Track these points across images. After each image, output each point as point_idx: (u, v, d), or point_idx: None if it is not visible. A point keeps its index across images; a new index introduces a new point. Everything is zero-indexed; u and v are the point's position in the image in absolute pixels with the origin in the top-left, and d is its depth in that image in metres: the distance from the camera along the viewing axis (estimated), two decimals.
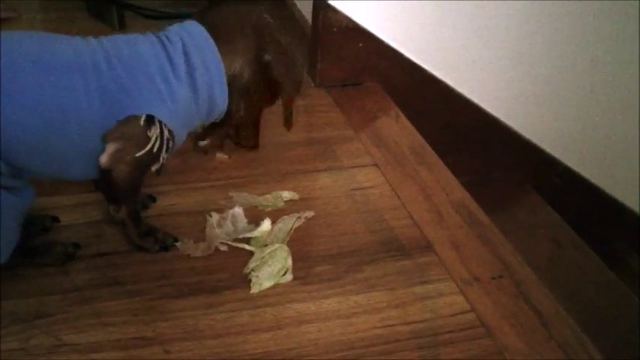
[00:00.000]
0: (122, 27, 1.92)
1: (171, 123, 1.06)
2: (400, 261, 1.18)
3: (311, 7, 1.70)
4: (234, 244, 1.17)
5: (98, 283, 1.09)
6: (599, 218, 1.73)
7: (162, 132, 1.05)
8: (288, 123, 1.28)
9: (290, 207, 1.28)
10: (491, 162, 1.82)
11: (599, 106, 1.67)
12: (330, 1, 1.64)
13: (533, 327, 1.07)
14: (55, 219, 1.19)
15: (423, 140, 1.54)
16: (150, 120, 1.03)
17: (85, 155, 1.04)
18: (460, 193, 1.37)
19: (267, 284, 1.10)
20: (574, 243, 1.68)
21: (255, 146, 1.36)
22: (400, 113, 1.64)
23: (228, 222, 1.21)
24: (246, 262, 1.14)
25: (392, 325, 1.06)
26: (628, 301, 1.54)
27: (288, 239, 1.19)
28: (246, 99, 1.20)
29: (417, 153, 1.49)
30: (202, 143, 1.30)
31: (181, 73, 1.08)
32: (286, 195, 1.30)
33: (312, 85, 1.73)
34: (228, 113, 1.18)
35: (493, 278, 1.16)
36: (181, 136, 1.12)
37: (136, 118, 1.03)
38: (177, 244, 1.17)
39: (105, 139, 1.02)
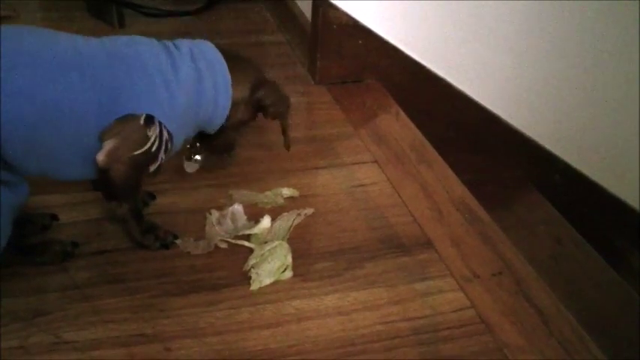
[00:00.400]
0: (122, 26, 1.92)
1: (170, 125, 1.06)
2: (400, 258, 1.18)
3: (311, 4, 1.70)
4: (234, 241, 1.17)
5: (98, 281, 1.09)
6: (600, 216, 1.73)
7: (161, 132, 1.05)
8: (287, 145, 1.29)
9: (290, 204, 1.28)
10: (492, 160, 1.82)
11: (600, 104, 1.67)
12: None
13: (534, 324, 1.07)
14: (55, 217, 1.19)
15: (423, 138, 1.54)
16: (149, 120, 1.03)
17: (82, 153, 1.04)
18: (460, 191, 1.37)
19: (267, 281, 1.10)
20: (575, 241, 1.67)
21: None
22: (400, 111, 1.64)
23: (227, 219, 1.21)
24: (246, 260, 1.14)
25: (392, 322, 1.06)
26: (629, 299, 1.54)
27: (288, 236, 1.19)
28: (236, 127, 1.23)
29: (417, 150, 1.49)
30: (193, 167, 1.31)
31: (185, 78, 1.08)
32: (286, 192, 1.30)
33: (312, 82, 1.73)
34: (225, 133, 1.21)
35: (493, 275, 1.16)
36: (179, 140, 1.12)
37: (136, 117, 1.03)
38: (178, 241, 1.17)
39: (102, 137, 1.02)
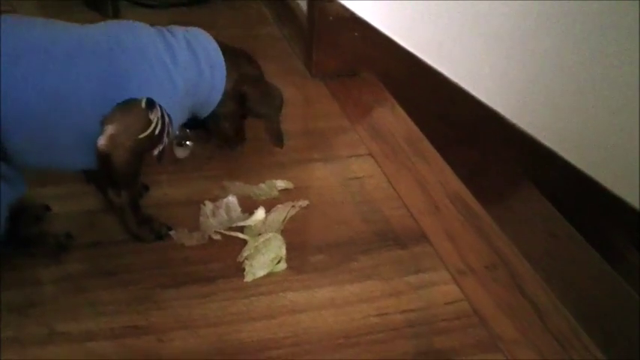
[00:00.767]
0: (116, 16, 1.92)
1: (170, 109, 1.06)
2: (395, 251, 1.18)
3: None
4: (228, 233, 1.17)
5: (92, 273, 1.09)
6: (596, 211, 1.73)
7: (163, 115, 1.05)
8: (278, 143, 1.30)
9: (285, 196, 1.28)
10: (488, 154, 1.81)
11: (597, 99, 1.66)
12: None
13: (528, 318, 1.07)
14: (47, 208, 1.18)
15: (419, 131, 1.54)
16: (151, 103, 1.03)
17: (85, 140, 1.04)
18: (456, 185, 1.37)
19: (261, 273, 1.10)
20: (570, 236, 1.67)
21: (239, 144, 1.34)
22: (396, 104, 1.64)
23: (222, 211, 1.21)
24: (240, 251, 1.13)
25: (386, 314, 1.05)
26: (624, 294, 1.54)
27: (282, 228, 1.19)
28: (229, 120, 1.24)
29: (412, 144, 1.49)
30: (184, 152, 1.32)
31: (182, 62, 1.09)
32: (280, 184, 1.30)
33: (309, 75, 1.72)
34: (216, 122, 1.22)
35: (488, 269, 1.16)
36: (177, 124, 1.12)
37: (137, 101, 1.03)
38: (172, 233, 1.16)
39: (104, 122, 1.02)
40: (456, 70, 1.73)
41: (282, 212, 1.22)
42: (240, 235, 1.17)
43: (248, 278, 1.09)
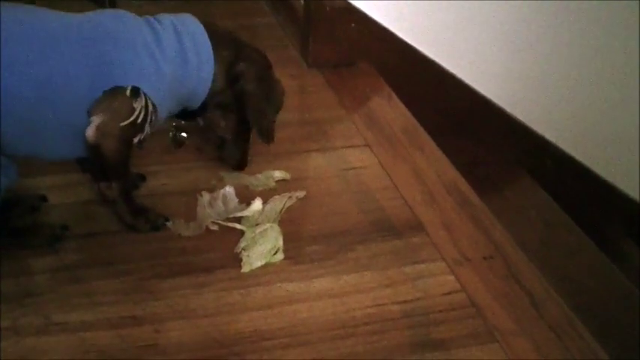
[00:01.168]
0: (113, 7, 1.90)
1: (155, 97, 1.06)
2: (391, 241, 1.18)
3: None
4: (225, 223, 1.17)
5: (88, 263, 1.09)
6: (592, 201, 1.73)
7: (146, 104, 1.05)
8: (265, 139, 1.26)
9: (281, 187, 1.28)
10: (484, 144, 1.81)
11: (594, 89, 1.66)
12: None
13: (524, 307, 1.08)
14: (44, 198, 1.18)
15: (416, 121, 1.54)
16: (136, 92, 1.04)
17: (72, 129, 1.04)
18: (452, 175, 1.37)
19: (258, 264, 1.10)
20: (566, 225, 1.68)
21: (239, 167, 1.31)
22: (393, 94, 1.64)
23: (219, 202, 1.21)
24: (237, 242, 1.14)
25: (383, 305, 1.06)
26: (619, 283, 1.54)
27: (279, 219, 1.19)
28: (222, 112, 1.23)
29: (409, 134, 1.49)
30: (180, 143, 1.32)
31: (169, 51, 1.09)
32: (277, 175, 1.30)
33: (305, 65, 1.72)
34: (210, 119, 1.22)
35: (484, 259, 1.16)
36: (164, 112, 1.12)
37: (122, 89, 1.03)
38: (169, 223, 1.16)
39: (90, 112, 1.03)
40: (452, 60, 1.73)
41: (279, 203, 1.22)
42: (238, 226, 1.17)
43: (245, 269, 1.09)
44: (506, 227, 1.25)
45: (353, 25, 1.68)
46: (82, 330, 0.98)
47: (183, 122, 1.28)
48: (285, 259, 1.12)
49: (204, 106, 1.20)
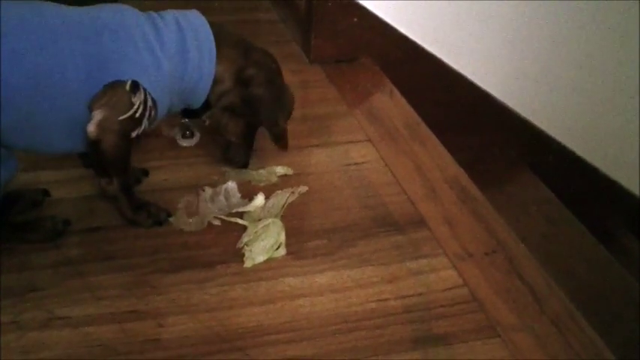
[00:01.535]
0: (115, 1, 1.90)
1: (154, 92, 1.06)
2: (393, 236, 1.18)
3: None
4: (227, 218, 1.17)
5: (91, 258, 1.09)
6: (593, 196, 1.74)
7: (145, 99, 1.05)
8: (281, 144, 1.27)
9: (284, 182, 1.28)
10: (486, 139, 1.82)
11: (594, 85, 1.66)
12: None
13: (526, 302, 1.08)
14: (46, 193, 1.18)
15: (417, 116, 1.54)
16: (135, 86, 1.03)
17: (70, 123, 1.04)
18: (454, 170, 1.37)
19: (261, 259, 1.10)
20: (567, 220, 1.68)
21: (244, 166, 1.31)
22: (394, 89, 1.64)
23: (221, 197, 1.21)
24: (239, 237, 1.14)
25: (385, 300, 1.06)
26: (621, 277, 1.55)
27: (281, 214, 1.19)
28: (230, 115, 1.22)
29: (411, 129, 1.49)
30: (188, 142, 1.33)
31: (170, 47, 1.09)
32: (280, 170, 1.30)
33: (307, 61, 1.72)
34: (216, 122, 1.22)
35: (486, 254, 1.16)
36: (163, 109, 1.12)
37: (122, 83, 1.03)
38: (171, 218, 1.16)
39: (91, 106, 1.03)
40: (454, 55, 1.72)
41: (282, 198, 1.22)
42: (240, 221, 1.17)
43: (247, 264, 1.09)
44: (508, 222, 1.25)
45: (355, 20, 1.68)
46: (85, 324, 0.98)
47: (187, 120, 1.28)
48: (287, 254, 1.12)
49: (207, 106, 1.19)
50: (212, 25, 1.16)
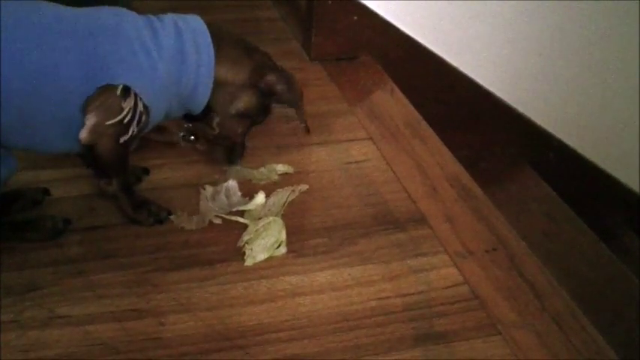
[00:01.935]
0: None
1: (148, 97, 1.06)
2: (394, 234, 1.18)
3: None
4: (228, 217, 1.17)
5: (91, 256, 1.09)
6: (594, 194, 1.74)
7: (136, 104, 1.04)
8: (307, 129, 1.34)
9: (284, 180, 1.28)
10: (486, 137, 1.82)
11: (595, 83, 1.66)
12: None
13: (527, 299, 1.08)
14: (47, 192, 1.18)
15: (418, 114, 1.54)
16: (126, 91, 1.03)
17: (68, 123, 1.03)
18: (455, 168, 1.37)
19: (261, 257, 1.10)
20: (568, 218, 1.68)
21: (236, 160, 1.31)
22: (395, 87, 1.64)
23: (222, 195, 1.21)
24: (240, 235, 1.14)
25: (386, 298, 1.06)
26: (621, 275, 1.55)
27: (282, 212, 1.19)
28: (243, 121, 1.23)
29: (411, 127, 1.48)
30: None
31: (168, 50, 1.08)
32: (280, 168, 1.30)
33: (307, 58, 1.72)
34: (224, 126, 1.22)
35: (487, 251, 1.16)
36: (158, 114, 1.11)
37: (113, 87, 1.02)
38: (172, 217, 1.16)
39: (84, 110, 1.02)
40: (455, 53, 1.72)
41: (282, 196, 1.22)
42: (240, 219, 1.17)
43: (248, 262, 1.09)
44: (509, 220, 1.25)
45: (355, 18, 1.68)
46: (86, 323, 0.98)
47: (190, 125, 1.27)
48: (288, 252, 1.12)
49: (207, 111, 1.18)
50: (210, 25, 1.16)
